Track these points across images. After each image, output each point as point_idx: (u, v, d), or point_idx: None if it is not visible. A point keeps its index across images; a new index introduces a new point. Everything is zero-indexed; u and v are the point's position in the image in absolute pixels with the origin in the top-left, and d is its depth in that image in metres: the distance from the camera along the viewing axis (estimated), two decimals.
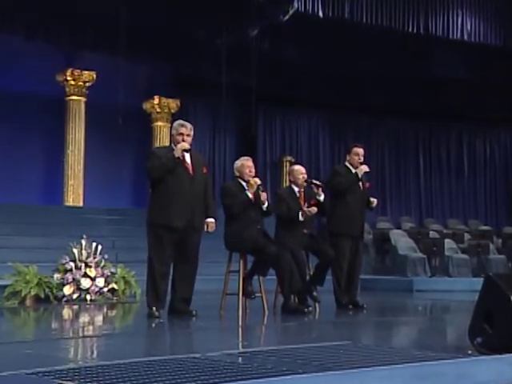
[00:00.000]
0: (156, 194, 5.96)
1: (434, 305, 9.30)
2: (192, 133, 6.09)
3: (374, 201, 7.32)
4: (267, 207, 6.58)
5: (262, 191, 6.62)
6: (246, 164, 6.62)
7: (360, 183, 7.24)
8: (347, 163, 7.28)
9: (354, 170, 7.22)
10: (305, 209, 6.76)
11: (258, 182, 6.54)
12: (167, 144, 6.27)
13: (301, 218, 6.74)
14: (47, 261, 8.30)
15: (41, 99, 13.01)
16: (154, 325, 5.63)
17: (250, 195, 6.47)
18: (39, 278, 7.48)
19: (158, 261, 5.89)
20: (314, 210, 6.78)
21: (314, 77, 14.45)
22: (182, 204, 5.89)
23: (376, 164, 16.43)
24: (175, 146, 5.99)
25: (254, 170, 6.67)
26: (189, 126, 6.09)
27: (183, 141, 5.97)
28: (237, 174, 6.64)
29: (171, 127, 6.25)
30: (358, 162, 7.22)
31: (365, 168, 7.22)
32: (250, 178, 6.52)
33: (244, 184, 6.57)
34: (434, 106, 15.86)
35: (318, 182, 7.03)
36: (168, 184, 5.89)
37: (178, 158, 5.90)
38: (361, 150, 7.27)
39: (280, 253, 6.38)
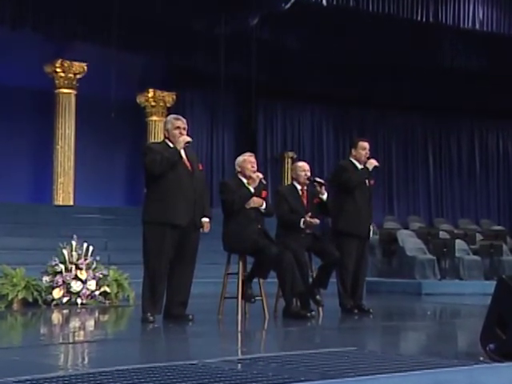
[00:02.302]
0: (155, 190, 5.94)
1: (444, 309, 9.30)
2: (186, 128, 6.12)
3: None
4: (265, 208, 6.58)
5: (264, 189, 6.63)
6: (248, 159, 6.64)
7: (367, 180, 7.24)
8: (352, 158, 7.26)
9: (359, 166, 7.21)
10: (307, 218, 6.75)
11: (261, 175, 6.57)
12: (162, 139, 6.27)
13: (302, 226, 6.74)
14: (35, 263, 8.31)
15: (28, 92, 13.02)
16: (148, 330, 5.64)
17: (252, 189, 6.47)
18: (27, 281, 7.48)
19: (157, 261, 5.88)
20: (317, 221, 6.79)
21: (318, 68, 14.45)
22: (184, 201, 5.91)
23: (383, 160, 16.38)
24: (170, 141, 6.00)
25: (256, 167, 6.68)
26: (184, 119, 6.13)
27: (180, 134, 5.98)
28: (238, 169, 6.64)
29: (165, 122, 6.25)
30: (365, 156, 7.20)
31: (374, 162, 7.20)
32: (252, 173, 6.53)
33: (244, 181, 6.57)
34: (443, 98, 15.85)
35: (320, 180, 7.02)
36: (168, 180, 5.89)
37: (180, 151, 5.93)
38: (367, 144, 7.26)
39: (281, 254, 6.38)
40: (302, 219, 6.74)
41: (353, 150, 7.29)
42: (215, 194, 14.13)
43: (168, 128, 6.07)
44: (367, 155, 7.22)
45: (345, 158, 7.68)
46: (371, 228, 7.33)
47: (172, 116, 6.29)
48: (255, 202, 6.47)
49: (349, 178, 7.07)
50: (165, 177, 5.89)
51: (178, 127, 6.03)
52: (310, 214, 6.80)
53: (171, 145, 5.98)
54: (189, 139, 5.98)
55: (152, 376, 3.26)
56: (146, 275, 5.95)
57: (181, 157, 5.97)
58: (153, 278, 5.90)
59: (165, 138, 6.12)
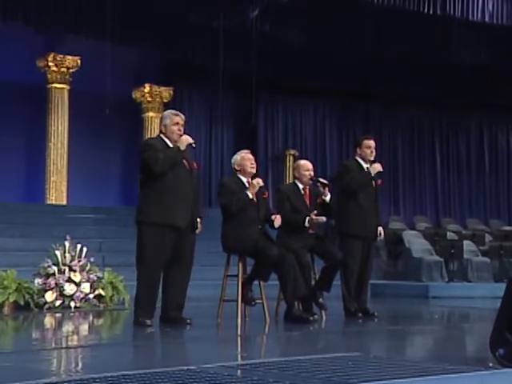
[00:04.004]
0: (153, 190, 5.91)
1: (452, 313, 9.31)
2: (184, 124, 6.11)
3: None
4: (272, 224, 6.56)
5: (264, 194, 6.63)
6: (246, 157, 6.63)
7: (372, 181, 7.23)
8: (358, 158, 7.27)
9: (365, 165, 7.22)
10: (313, 217, 6.74)
11: (261, 183, 6.54)
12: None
13: (307, 224, 6.74)
14: (27, 264, 8.31)
15: (20, 87, 13.01)
16: (144, 334, 5.64)
17: (251, 195, 6.46)
18: (18, 284, 7.48)
19: (155, 264, 5.88)
20: (323, 219, 6.78)
21: (320, 62, 14.44)
22: (184, 201, 5.91)
23: (388, 158, 16.42)
24: (167, 137, 5.98)
25: (255, 164, 6.67)
26: (182, 115, 6.12)
27: (179, 131, 5.97)
28: (237, 168, 6.62)
29: (162, 117, 6.21)
30: (370, 155, 7.21)
31: (378, 167, 7.19)
32: (252, 180, 6.51)
33: (244, 180, 6.57)
34: (451, 94, 15.85)
35: (324, 181, 7.00)
36: (168, 179, 5.87)
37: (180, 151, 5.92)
38: (372, 142, 7.26)
39: (283, 255, 6.38)
40: (307, 217, 6.73)
41: (358, 149, 7.30)
42: (214, 193, 14.15)
43: (166, 124, 6.03)
44: (372, 154, 7.23)
45: (349, 156, 7.67)
46: (380, 230, 7.29)
47: (170, 111, 6.27)
48: (254, 185, 6.44)
49: (350, 180, 7.06)
50: (164, 176, 5.87)
51: (177, 123, 6.01)
52: (315, 211, 6.79)
53: (168, 141, 5.97)
54: (192, 141, 5.95)
55: (148, 382, 3.26)
56: (141, 278, 5.94)
57: (182, 157, 5.97)
58: (149, 281, 5.90)
59: (161, 133, 6.07)
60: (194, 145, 5.99)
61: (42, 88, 13.16)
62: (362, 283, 7.22)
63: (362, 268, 7.18)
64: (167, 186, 5.87)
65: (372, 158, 7.26)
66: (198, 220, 6.13)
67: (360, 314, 7.07)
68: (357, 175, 7.10)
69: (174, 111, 6.23)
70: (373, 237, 7.25)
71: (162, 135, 6.05)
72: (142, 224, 5.95)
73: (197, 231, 6.12)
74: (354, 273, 7.10)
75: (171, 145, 5.97)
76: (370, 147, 7.23)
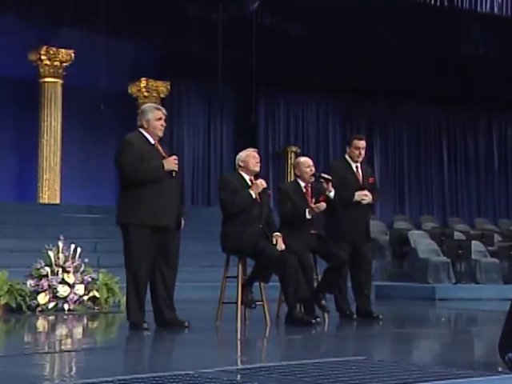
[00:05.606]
0: (138, 190, 5.89)
1: (459, 315, 9.32)
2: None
3: None
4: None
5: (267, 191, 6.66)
6: (252, 154, 6.64)
7: (360, 178, 7.23)
8: (347, 156, 7.30)
9: (354, 165, 7.24)
10: (312, 205, 6.76)
11: (264, 184, 6.55)
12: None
13: (308, 216, 6.75)
14: (19, 265, 8.32)
15: (11, 81, 13.01)
16: (141, 338, 5.64)
17: (254, 195, 6.47)
18: (10, 285, 7.49)
19: (143, 265, 5.91)
20: (323, 205, 6.78)
21: (323, 56, 14.44)
22: (171, 200, 5.95)
23: (394, 155, 16.43)
24: (148, 132, 5.97)
25: (259, 163, 6.68)
26: (163, 109, 6.12)
27: (162, 126, 5.98)
28: (240, 164, 6.62)
29: (142, 110, 6.14)
30: (358, 156, 7.22)
31: (362, 195, 7.15)
32: (256, 180, 6.51)
33: (246, 177, 6.57)
34: (459, 88, 15.84)
35: (327, 176, 7.01)
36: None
37: (159, 155, 5.94)
38: (361, 143, 7.25)
39: (284, 256, 6.39)
40: (307, 209, 6.75)
41: (347, 148, 7.33)
42: (213, 191, 14.15)
43: (149, 118, 5.99)
44: (361, 155, 7.24)
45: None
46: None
47: (151, 105, 6.29)
48: (258, 186, 6.46)
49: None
50: None
51: (160, 118, 6.01)
52: (313, 200, 6.81)
53: (149, 137, 5.96)
54: (175, 169, 5.92)
55: None
56: (131, 280, 5.95)
57: (160, 153, 5.97)
58: (139, 283, 5.93)
59: (141, 128, 6.02)
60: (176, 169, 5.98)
61: (34, 82, 13.15)
62: (361, 286, 7.25)
63: (361, 270, 7.21)
64: (153, 187, 5.87)
65: (360, 160, 7.28)
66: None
67: (354, 316, 7.14)
68: (339, 190, 7.05)
69: (154, 105, 6.27)
70: (362, 238, 7.25)
71: (142, 130, 6.02)
72: (128, 226, 5.94)
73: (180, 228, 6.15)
74: (344, 275, 7.13)
75: (152, 141, 5.99)
76: (358, 148, 7.23)
